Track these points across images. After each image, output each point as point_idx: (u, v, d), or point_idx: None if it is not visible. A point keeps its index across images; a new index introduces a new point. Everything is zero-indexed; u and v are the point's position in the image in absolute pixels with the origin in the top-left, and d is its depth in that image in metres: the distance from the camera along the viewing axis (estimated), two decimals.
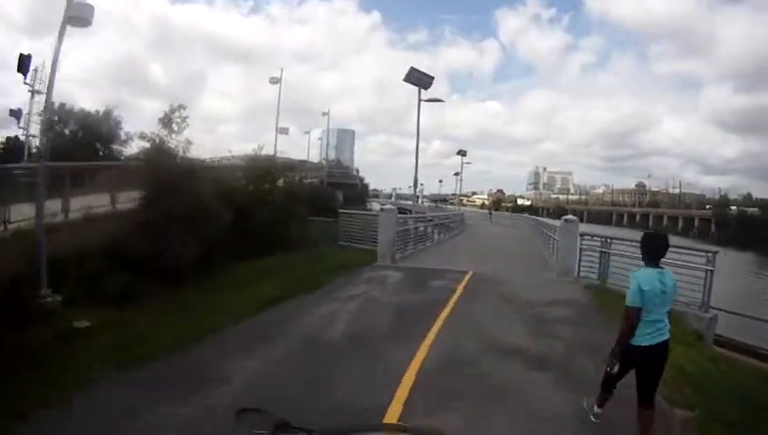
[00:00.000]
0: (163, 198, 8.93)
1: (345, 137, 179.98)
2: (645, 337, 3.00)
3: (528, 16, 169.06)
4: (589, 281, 9.31)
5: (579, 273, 9.74)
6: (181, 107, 10.39)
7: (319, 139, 47.04)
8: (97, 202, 9.20)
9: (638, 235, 4.63)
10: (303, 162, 30.88)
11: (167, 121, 10.20)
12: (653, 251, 3.15)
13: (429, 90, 15.93)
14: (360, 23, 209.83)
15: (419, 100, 15.38)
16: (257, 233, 11.64)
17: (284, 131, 29.47)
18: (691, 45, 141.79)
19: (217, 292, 7.78)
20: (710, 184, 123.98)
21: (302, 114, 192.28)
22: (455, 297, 7.43)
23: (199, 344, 4.92)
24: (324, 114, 39.91)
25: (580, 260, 9.76)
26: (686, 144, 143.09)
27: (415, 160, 16.16)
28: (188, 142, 10.29)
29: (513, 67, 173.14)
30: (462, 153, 40.04)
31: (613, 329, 3.34)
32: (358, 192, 43.89)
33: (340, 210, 14.53)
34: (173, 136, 10.16)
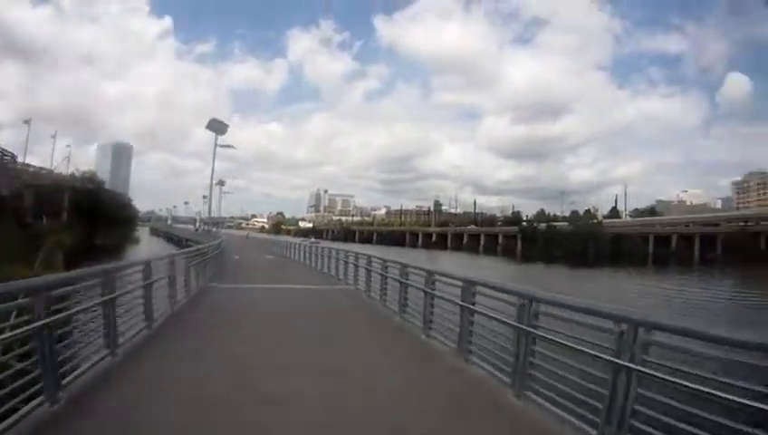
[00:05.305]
0: None
1: (122, 152, 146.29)
2: None
3: (320, 39, 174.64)
4: None
5: None
6: None
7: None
8: None
9: None
10: None
11: None
12: None
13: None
14: (150, 27, 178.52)
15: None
16: None
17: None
18: (474, 80, 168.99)
19: None
20: (487, 204, 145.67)
21: (79, 124, 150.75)
22: None
23: None
24: None
25: None
26: (464, 168, 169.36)
27: None
28: None
29: (299, 89, 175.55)
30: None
31: None
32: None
33: None
34: None
